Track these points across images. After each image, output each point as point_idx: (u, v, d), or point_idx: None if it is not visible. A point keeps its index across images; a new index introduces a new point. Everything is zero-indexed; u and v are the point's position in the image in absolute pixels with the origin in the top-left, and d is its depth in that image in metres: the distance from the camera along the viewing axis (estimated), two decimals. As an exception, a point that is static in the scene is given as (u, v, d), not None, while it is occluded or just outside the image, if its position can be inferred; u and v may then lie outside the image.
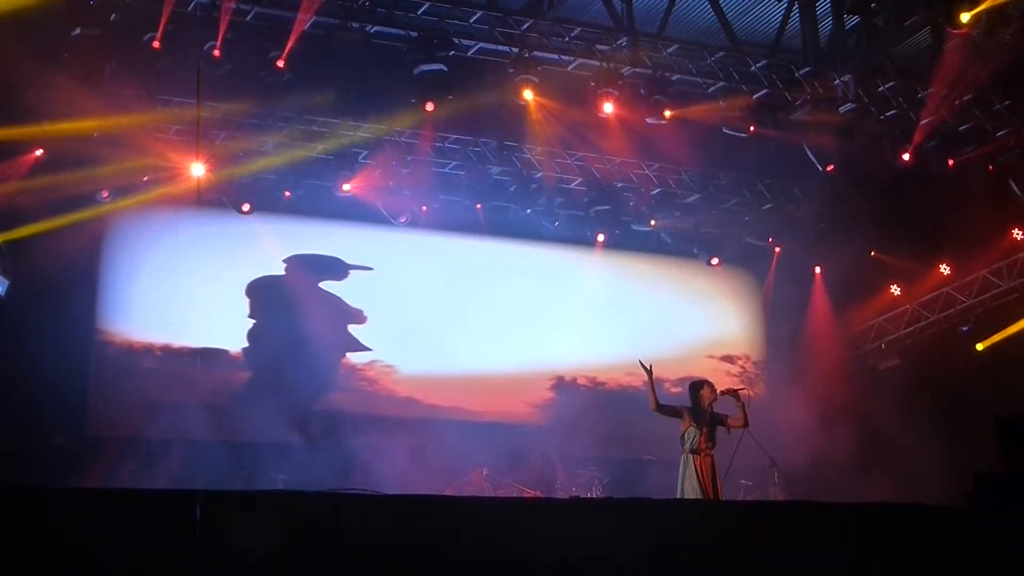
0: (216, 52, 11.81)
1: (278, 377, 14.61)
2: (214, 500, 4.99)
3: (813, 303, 17.61)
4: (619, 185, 15.98)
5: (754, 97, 13.92)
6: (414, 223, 15.70)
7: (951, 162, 14.77)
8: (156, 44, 11.69)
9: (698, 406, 10.52)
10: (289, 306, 15.24)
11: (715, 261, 17.04)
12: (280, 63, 12.13)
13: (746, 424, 10.48)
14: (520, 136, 14.68)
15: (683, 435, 10.45)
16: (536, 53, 13.12)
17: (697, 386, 10.66)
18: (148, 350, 14.52)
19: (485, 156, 15.38)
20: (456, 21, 12.84)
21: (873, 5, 12.99)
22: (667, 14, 13.24)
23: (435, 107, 12.99)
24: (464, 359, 15.88)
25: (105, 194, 13.93)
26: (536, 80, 12.98)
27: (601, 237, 16.50)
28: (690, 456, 10.36)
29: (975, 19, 11.90)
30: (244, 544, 4.84)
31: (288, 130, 14.14)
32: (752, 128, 13.90)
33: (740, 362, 17.66)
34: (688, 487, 10.29)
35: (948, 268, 16.87)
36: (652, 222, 16.42)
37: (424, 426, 14.78)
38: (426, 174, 15.32)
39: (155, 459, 13.23)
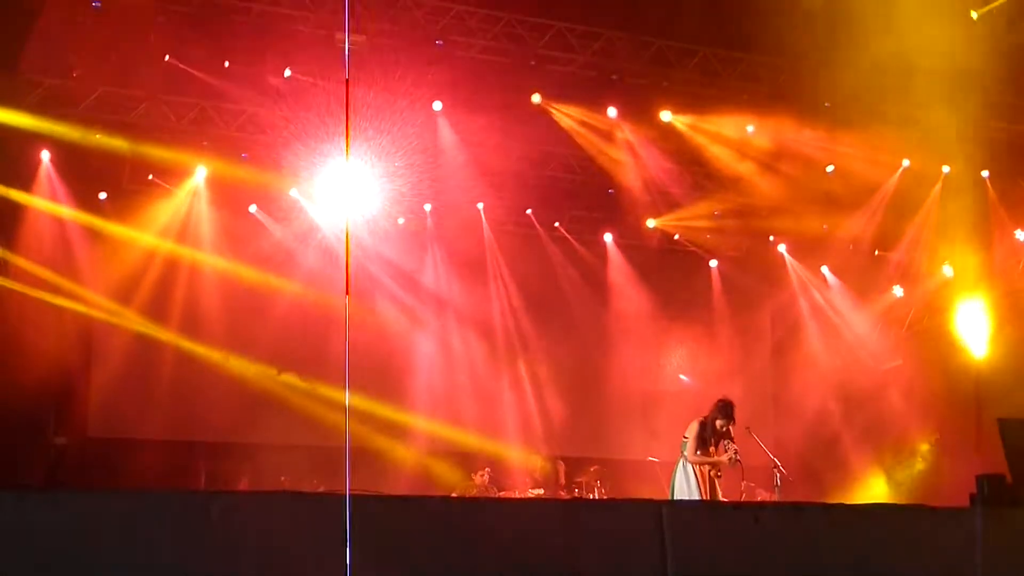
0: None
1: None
2: (224, 501, 4.99)
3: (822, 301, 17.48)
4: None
5: None
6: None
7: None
8: None
9: (712, 427, 10.28)
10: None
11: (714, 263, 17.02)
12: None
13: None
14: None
15: (687, 445, 10.30)
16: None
17: (727, 409, 10.34)
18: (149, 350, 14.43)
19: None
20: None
21: None
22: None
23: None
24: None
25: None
26: None
27: (609, 236, 16.56)
28: (687, 462, 10.28)
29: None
30: (257, 544, 4.85)
31: None
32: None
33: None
34: (681, 490, 10.17)
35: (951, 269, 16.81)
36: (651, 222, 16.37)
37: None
38: None
39: (156, 459, 13.18)
